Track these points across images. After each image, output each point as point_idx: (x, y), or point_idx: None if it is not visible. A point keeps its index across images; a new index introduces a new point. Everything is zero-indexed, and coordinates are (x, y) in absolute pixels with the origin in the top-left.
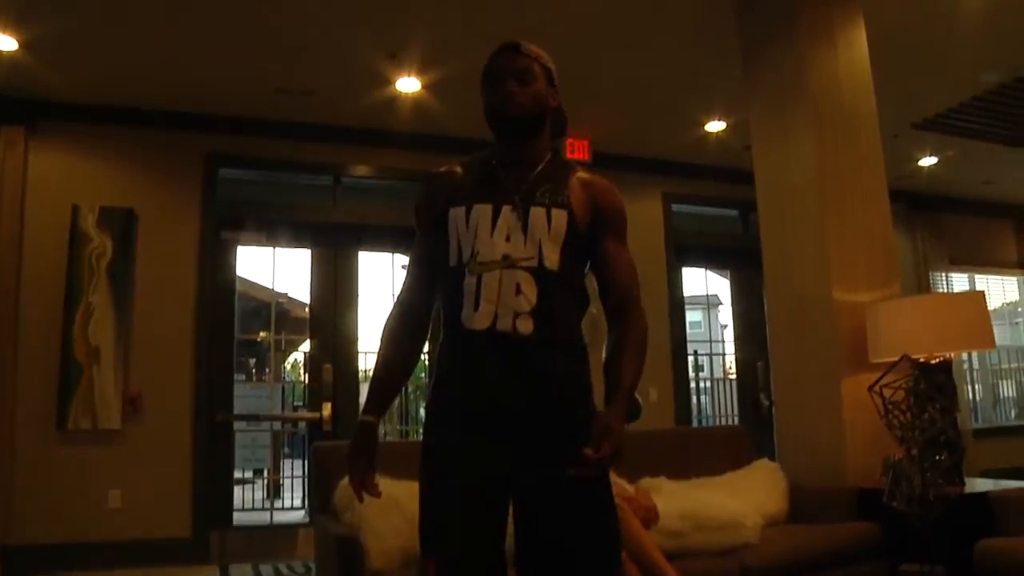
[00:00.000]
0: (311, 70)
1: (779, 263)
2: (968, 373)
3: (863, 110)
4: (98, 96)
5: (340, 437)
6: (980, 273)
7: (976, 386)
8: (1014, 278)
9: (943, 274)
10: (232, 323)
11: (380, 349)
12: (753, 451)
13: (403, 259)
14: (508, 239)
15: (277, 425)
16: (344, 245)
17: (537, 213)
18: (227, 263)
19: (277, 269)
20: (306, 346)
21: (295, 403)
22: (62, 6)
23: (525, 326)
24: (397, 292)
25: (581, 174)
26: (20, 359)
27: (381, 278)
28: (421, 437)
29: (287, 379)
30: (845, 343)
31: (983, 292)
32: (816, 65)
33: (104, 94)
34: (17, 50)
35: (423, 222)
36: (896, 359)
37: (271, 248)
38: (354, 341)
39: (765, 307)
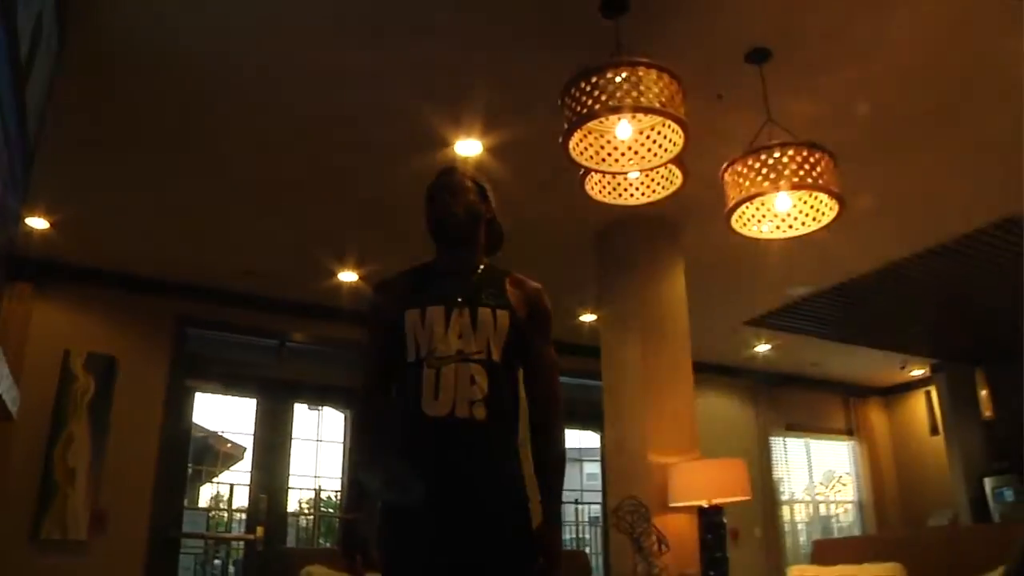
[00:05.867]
0: (274, 260)
1: (614, 433)
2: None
3: (679, 328)
4: (95, 262)
5: (270, 558)
6: (813, 439)
7: None
8: (843, 443)
9: (781, 439)
10: (187, 456)
11: (359, 453)
12: (590, 569)
13: (333, 413)
14: (460, 336)
15: (200, 550)
16: (283, 398)
17: (484, 313)
18: (187, 406)
19: (213, 410)
20: (225, 477)
21: (218, 528)
22: (77, 199)
23: (480, 412)
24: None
25: (514, 277)
26: (9, 476)
27: (309, 427)
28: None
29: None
30: (656, 492)
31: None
32: (644, 294)
33: (101, 261)
34: (47, 228)
35: (376, 326)
36: (685, 504)
37: (223, 396)
38: (286, 478)
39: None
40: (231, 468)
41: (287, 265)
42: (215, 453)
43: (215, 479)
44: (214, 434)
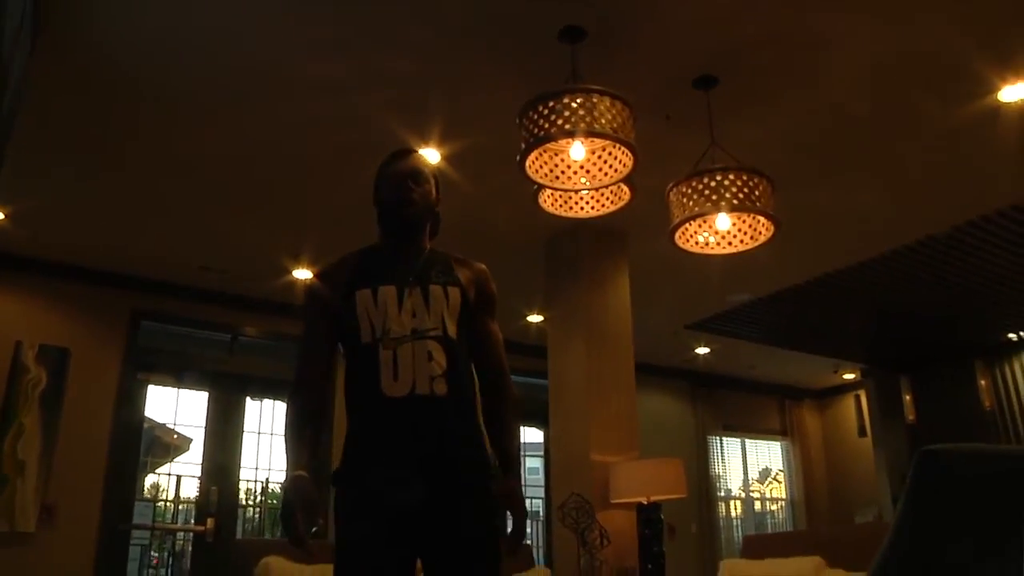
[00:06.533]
0: (230, 256)
1: (559, 431)
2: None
3: (622, 333)
4: (50, 254)
5: (220, 549)
6: (749, 439)
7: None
8: (777, 443)
9: (718, 438)
10: (139, 449)
11: (295, 424)
12: (533, 561)
13: (281, 406)
14: (414, 315)
15: (145, 541)
16: (235, 391)
17: (436, 290)
18: (140, 399)
19: (161, 401)
20: (171, 468)
21: (163, 519)
22: (33, 191)
23: (440, 388)
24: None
25: (458, 258)
26: None
27: (256, 420)
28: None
29: (160, 497)
30: (598, 489)
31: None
32: (590, 298)
33: (56, 253)
34: (1, 219)
35: (320, 309)
36: (625, 500)
37: (175, 389)
38: (236, 470)
39: (550, 461)
40: (176, 460)
41: (242, 261)
42: (162, 444)
43: (159, 470)
44: (161, 425)
